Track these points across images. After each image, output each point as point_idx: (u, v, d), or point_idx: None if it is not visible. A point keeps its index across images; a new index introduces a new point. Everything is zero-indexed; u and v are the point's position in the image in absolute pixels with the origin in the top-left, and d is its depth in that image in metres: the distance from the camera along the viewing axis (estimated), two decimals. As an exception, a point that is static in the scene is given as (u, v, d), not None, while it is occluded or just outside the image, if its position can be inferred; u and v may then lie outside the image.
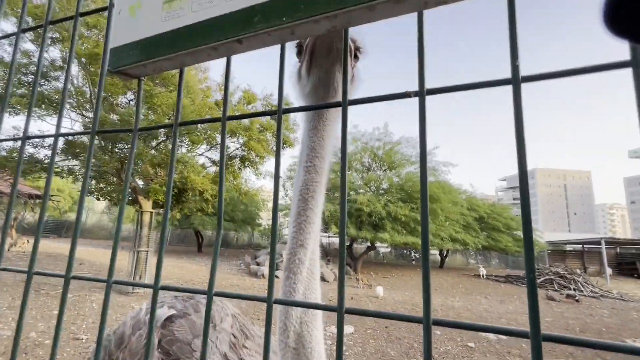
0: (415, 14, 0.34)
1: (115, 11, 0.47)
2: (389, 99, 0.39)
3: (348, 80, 0.83)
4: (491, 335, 6.21)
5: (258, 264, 14.27)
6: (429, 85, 0.34)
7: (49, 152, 8.98)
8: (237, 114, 9.87)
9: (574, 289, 13.07)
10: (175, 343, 1.14)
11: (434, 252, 26.42)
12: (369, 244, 16.26)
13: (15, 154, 8.21)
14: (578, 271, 15.91)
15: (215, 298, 1.46)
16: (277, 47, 0.40)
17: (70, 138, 8.79)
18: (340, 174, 0.40)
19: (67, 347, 4.35)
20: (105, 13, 0.53)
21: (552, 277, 14.74)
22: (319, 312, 0.75)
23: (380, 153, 16.56)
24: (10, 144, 8.67)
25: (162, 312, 1.26)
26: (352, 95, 0.88)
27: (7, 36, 0.75)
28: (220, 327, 1.22)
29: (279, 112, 0.40)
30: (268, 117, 10.57)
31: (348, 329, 6.03)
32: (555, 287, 13.78)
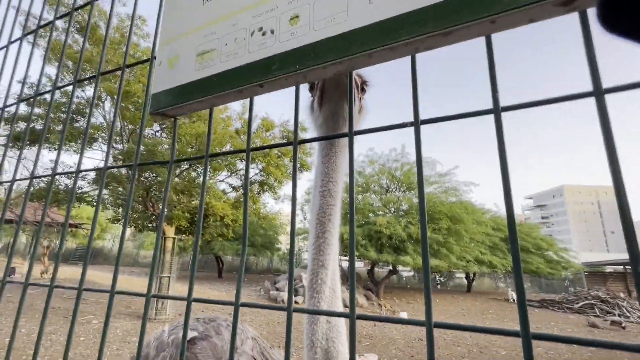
0: (408, 57, 0.40)
1: (157, 63, 0.56)
2: (390, 128, 0.44)
3: (355, 112, 0.91)
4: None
5: (277, 289, 14.11)
6: (423, 116, 0.39)
7: (82, 182, 9.53)
8: (258, 143, 10.24)
9: (619, 315, 12.00)
10: None
11: (460, 276, 25.22)
12: (390, 267, 15.79)
13: (53, 187, 8.77)
14: (622, 295, 14.66)
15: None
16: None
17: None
18: (349, 186, 0.45)
19: (93, 374, 4.41)
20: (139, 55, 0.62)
21: (593, 301, 13.66)
22: (343, 330, 0.79)
23: (398, 174, 16.45)
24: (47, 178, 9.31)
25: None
26: (360, 124, 0.96)
27: (65, 86, 0.87)
28: (241, 349, 1.23)
29: (295, 143, 0.46)
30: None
31: (372, 358, 5.79)
32: (597, 312, 12.73)
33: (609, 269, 26.44)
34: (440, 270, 15.22)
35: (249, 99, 0.50)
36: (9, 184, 0.97)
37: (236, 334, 0.44)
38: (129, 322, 7.49)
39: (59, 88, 0.80)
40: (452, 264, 13.83)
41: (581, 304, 13.99)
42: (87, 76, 0.75)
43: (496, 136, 0.33)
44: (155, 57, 0.58)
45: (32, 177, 0.93)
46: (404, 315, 9.53)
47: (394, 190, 17.12)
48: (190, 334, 1.28)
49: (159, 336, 1.35)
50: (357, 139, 0.93)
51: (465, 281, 22.32)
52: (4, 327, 6.13)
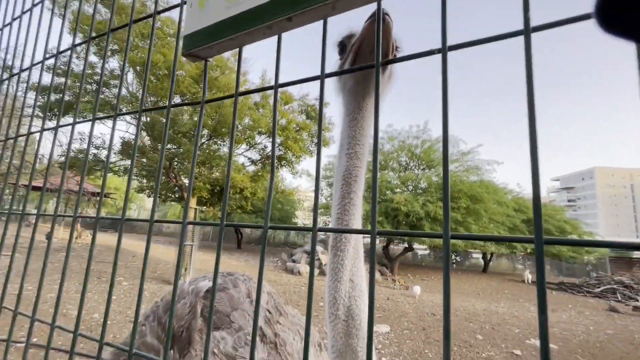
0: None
1: (187, 5, 0.57)
2: (417, 57, 0.44)
3: (385, 78, 0.91)
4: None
5: (294, 261, 14.57)
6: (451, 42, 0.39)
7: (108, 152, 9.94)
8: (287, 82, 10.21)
9: (642, 301, 11.68)
10: (215, 314, 1.24)
11: (477, 256, 25.04)
12: (406, 245, 15.88)
13: (81, 155, 9.22)
14: (647, 281, 14.19)
15: (248, 280, 1.55)
16: (313, 46, 0.48)
17: (125, 139, 9.68)
18: (374, 136, 0.46)
19: (125, 329, 4.82)
20: (158, 25, 0.63)
21: (615, 286, 13.31)
22: (365, 290, 0.80)
23: (418, 151, 16.12)
24: (76, 146, 9.76)
25: (204, 285, 1.37)
26: (389, 90, 0.96)
27: (83, 42, 0.90)
28: None
29: (322, 77, 0.48)
30: (304, 117, 10.79)
31: (384, 328, 5.98)
32: (619, 297, 12.43)
33: (635, 254, 25.43)
34: (456, 249, 15.17)
35: (277, 38, 0.51)
36: (48, 155, 1.03)
37: (262, 276, 0.48)
38: (155, 285, 8.03)
39: (77, 45, 0.84)
40: (470, 243, 13.73)
41: (602, 288, 13.66)
42: (119, 35, 0.77)
43: (525, 59, 0.33)
44: (185, 2, 0.59)
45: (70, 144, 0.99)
46: (417, 289, 9.69)
47: (413, 167, 16.86)
48: (209, 285, 1.37)
49: (179, 286, 1.46)
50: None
51: (482, 261, 22.15)
52: (47, 285, 6.73)
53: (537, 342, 5.91)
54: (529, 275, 16.99)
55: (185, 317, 1.18)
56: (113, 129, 0.82)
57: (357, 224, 0.84)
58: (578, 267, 23.20)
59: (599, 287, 13.95)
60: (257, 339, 1.10)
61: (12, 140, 1.19)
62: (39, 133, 1.15)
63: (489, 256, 21.40)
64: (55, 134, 1.12)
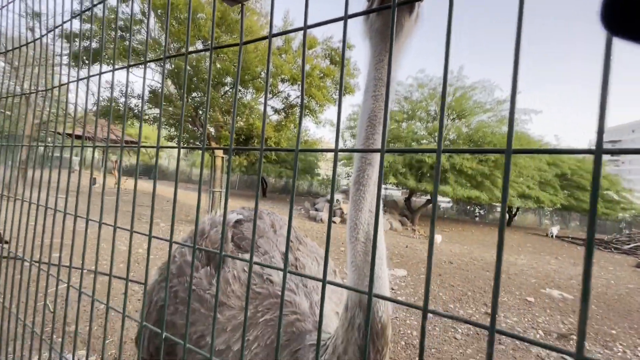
0: None
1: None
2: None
3: (411, 20, 0.89)
4: (555, 293, 5.93)
5: (316, 210, 15.10)
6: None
7: (138, 102, 10.19)
8: (298, 62, 9.77)
9: (675, 259, 11.32)
10: (244, 240, 1.46)
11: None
12: (429, 197, 15.85)
13: (110, 103, 9.49)
14: (684, 240, 13.59)
15: (272, 213, 1.71)
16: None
17: (151, 87, 9.79)
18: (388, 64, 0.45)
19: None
20: None
21: (646, 244, 12.91)
22: (382, 217, 0.88)
23: (450, 99, 15.19)
24: (106, 95, 10.03)
25: (233, 216, 1.58)
26: (415, 33, 0.92)
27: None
28: (279, 232, 1.51)
29: (345, 18, 0.46)
30: (328, 63, 10.29)
31: (400, 272, 6.30)
32: (649, 255, 12.11)
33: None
34: (480, 202, 14.97)
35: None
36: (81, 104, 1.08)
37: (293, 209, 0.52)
38: (188, 227, 8.71)
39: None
40: (495, 197, 13.47)
41: (632, 245, 13.29)
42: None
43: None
44: None
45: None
46: (438, 238, 9.91)
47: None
48: (238, 217, 1.59)
49: (212, 217, 1.65)
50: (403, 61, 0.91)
51: (507, 215, 21.86)
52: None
53: (552, 291, 6.04)
54: (553, 230, 16.73)
55: (218, 241, 1.37)
56: (144, 77, 0.85)
57: (378, 163, 0.89)
58: (610, 224, 22.44)
59: (629, 245, 13.58)
60: (280, 260, 1.28)
61: (54, 90, 1.26)
62: (74, 83, 1.20)
63: (514, 210, 21.04)
64: (88, 83, 1.17)
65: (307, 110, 10.78)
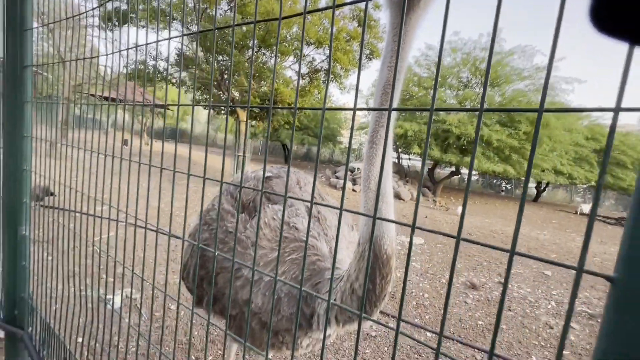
0: None
1: None
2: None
3: None
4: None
5: (337, 178, 15.23)
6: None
7: (165, 64, 10.32)
8: (326, 23, 9.39)
9: None
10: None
11: (530, 185, 23.73)
12: (453, 168, 15.47)
13: (141, 66, 9.71)
14: None
15: (298, 172, 1.87)
16: None
17: (179, 50, 9.86)
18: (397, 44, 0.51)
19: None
20: None
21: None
22: (390, 171, 1.05)
23: (484, 66, 14.22)
24: (135, 57, 10.23)
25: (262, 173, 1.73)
26: (431, 4, 0.93)
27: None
28: (304, 188, 1.68)
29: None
30: (355, 25, 9.84)
31: (418, 240, 6.42)
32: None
33: None
34: (508, 176, 14.45)
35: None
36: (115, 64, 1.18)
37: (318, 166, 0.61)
38: (215, 189, 9.14)
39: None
40: (523, 171, 12.96)
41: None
42: None
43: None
44: None
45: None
46: (459, 209, 9.87)
47: (474, 85, 15.17)
48: (267, 174, 1.73)
49: (245, 173, 1.80)
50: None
51: (535, 190, 21.01)
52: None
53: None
54: (584, 207, 16.00)
55: (251, 193, 1.58)
56: (182, 43, 0.93)
57: (390, 129, 0.96)
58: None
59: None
60: (305, 212, 1.43)
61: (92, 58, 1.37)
62: (108, 47, 1.31)
63: (543, 185, 20.19)
64: (146, 49, 1.27)
65: (332, 75, 10.55)
